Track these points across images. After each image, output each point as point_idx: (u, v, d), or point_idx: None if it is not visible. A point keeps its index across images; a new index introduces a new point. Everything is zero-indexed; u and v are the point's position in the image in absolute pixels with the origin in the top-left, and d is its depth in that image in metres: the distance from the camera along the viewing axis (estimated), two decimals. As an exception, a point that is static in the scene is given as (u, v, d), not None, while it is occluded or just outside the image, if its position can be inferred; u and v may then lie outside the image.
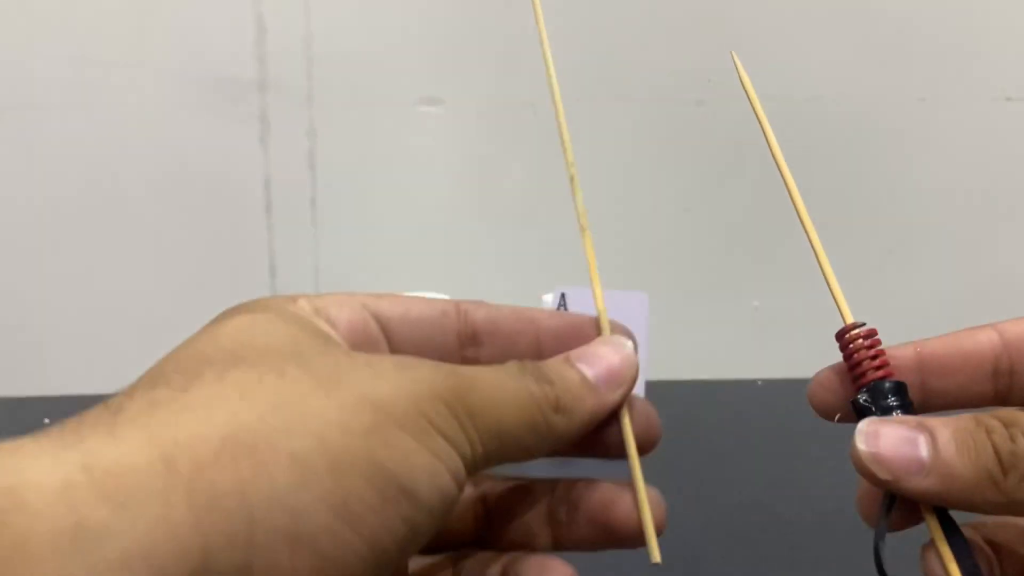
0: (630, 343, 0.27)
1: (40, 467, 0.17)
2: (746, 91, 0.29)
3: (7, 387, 0.72)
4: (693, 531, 0.55)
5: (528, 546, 0.27)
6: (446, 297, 0.28)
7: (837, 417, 0.27)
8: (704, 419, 0.75)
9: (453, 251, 0.77)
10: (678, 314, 0.75)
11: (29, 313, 0.75)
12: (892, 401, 0.26)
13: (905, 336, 0.28)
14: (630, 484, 0.26)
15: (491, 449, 0.23)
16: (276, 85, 0.73)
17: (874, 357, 0.26)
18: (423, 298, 0.27)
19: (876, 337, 0.27)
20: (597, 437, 0.26)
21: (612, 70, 0.75)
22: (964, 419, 0.24)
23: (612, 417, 0.26)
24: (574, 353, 0.26)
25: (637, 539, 0.26)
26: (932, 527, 0.25)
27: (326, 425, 0.20)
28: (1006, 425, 0.23)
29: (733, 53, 0.29)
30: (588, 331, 0.27)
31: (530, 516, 0.27)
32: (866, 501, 0.26)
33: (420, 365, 0.22)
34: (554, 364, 0.25)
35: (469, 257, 0.77)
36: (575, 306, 0.59)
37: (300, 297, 0.25)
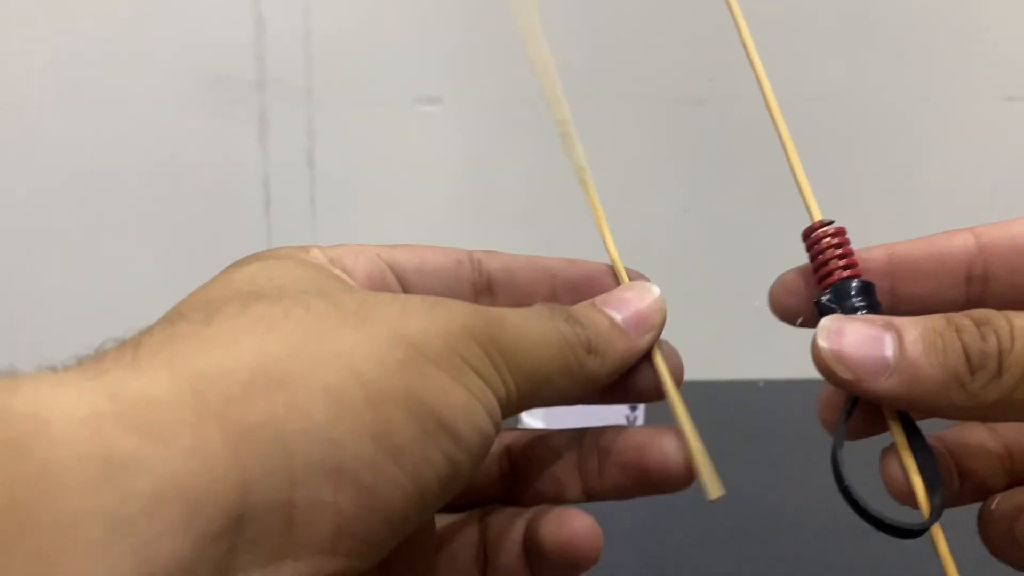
0: (656, 288, 0.26)
1: (63, 395, 0.16)
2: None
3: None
4: (694, 532, 0.55)
5: (557, 498, 0.26)
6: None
7: (799, 321, 0.26)
8: (704, 420, 0.75)
9: (453, 251, 0.77)
10: (678, 314, 0.74)
11: (26, 313, 0.75)
12: (858, 301, 0.24)
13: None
14: (662, 428, 0.25)
15: (525, 390, 0.22)
16: (275, 84, 0.73)
17: (842, 256, 0.25)
18: (437, 248, 0.27)
19: (845, 236, 0.25)
20: (627, 382, 0.26)
21: (612, 70, 0.75)
22: (934, 318, 0.22)
23: (641, 362, 0.25)
24: (599, 299, 0.25)
25: (673, 483, 0.25)
26: (895, 432, 0.24)
27: (360, 358, 0.19)
28: (978, 324, 0.22)
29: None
30: (604, 280, 0.27)
31: (558, 467, 0.26)
32: (827, 407, 0.25)
33: (450, 303, 0.21)
34: (582, 308, 0.25)
35: (469, 257, 0.77)
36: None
37: (312, 248, 0.24)
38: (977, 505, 0.27)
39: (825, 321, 0.23)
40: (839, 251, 0.25)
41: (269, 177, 0.75)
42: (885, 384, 0.22)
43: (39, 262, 0.75)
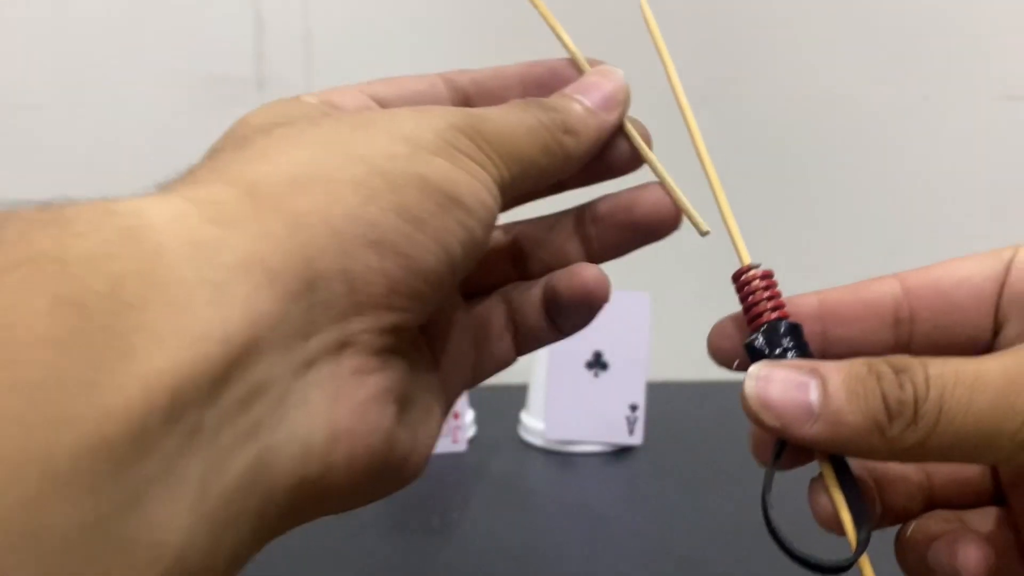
0: (618, 69, 0.29)
1: (151, 202, 0.19)
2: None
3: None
4: (693, 532, 0.55)
5: (564, 264, 0.29)
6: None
7: (736, 364, 0.27)
8: (705, 420, 0.75)
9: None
10: (678, 314, 0.74)
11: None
12: (787, 343, 0.25)
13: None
14: (644, 184, 0.29)
15: (515, 171, 0.25)
16: (275, 83, 0.73)
17: (770, 298, 0.26)
18: (413, 75, 0.30)
19: (773, 279, 0.26)
20: (605, 157, 0.29)
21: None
22: (857, 364, 0.23)
23: (614, 138, 0.28)
24: (568, 88, 0.28)
25: (665, 227, 0.29)
26: (824, 470, 0.25)
27: (373, 155, 0.22)
28: (896, 371, 0.23)
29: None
30: (567, 72, 0.30)
31: (561, 239, 0.30)
32: (759, 445, 0.27)
33: (433, 107, 0.25)
34: (554, 98, 0.28)
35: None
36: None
37: (301, 96, 0.28)
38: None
39: (753, 368, 0.24)
40: (767, 293, 0.26)
41: (269, 176, 0.75)
42: (810, 430, 0.23)
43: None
